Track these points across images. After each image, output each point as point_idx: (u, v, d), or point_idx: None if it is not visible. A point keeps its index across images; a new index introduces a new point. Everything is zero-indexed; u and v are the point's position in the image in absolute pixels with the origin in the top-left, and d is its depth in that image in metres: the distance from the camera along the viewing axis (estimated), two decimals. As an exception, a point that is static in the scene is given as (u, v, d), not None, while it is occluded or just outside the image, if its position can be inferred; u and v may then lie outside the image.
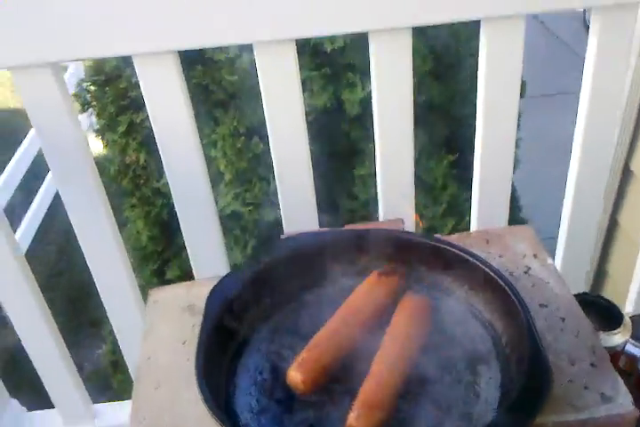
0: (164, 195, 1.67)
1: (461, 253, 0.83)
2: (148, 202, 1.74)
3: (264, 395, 0.76)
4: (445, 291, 0.84)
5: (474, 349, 0.79)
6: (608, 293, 1.54)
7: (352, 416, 0.71)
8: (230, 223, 1.65)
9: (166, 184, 1.13)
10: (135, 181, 1.74)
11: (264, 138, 1.14)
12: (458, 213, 1.68)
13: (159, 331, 0.89)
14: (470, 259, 0.82)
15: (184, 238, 1.18)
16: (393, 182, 1.15)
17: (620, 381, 0.75)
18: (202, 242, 1.18)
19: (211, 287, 0.83)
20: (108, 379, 2.06)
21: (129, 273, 1.21)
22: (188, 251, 1.20)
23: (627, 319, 0.93)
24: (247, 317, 0.83)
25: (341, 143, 1.65)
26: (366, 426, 0.71)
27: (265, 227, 1.63)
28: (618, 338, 0.91)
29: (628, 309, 1.40)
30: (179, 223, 1.16)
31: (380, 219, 1.16)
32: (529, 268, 0.87)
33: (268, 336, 0.83)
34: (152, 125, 1.05)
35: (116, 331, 1.28)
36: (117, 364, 1.91)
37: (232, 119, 1.58)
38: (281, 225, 1.18)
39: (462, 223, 1.65)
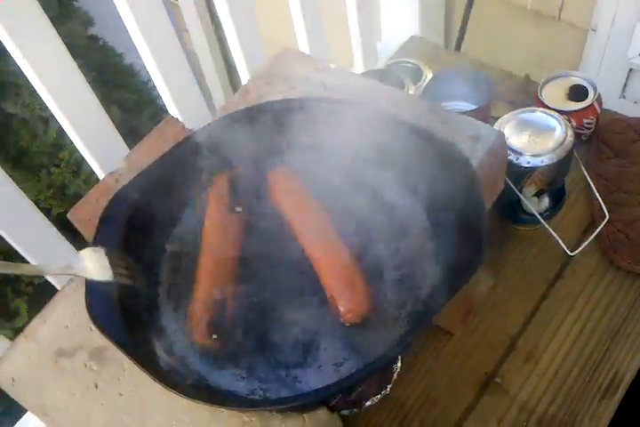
0: None
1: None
2: None
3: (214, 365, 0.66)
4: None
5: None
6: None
7: (341, 306, 0.64)
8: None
9: None
10: None
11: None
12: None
13: (53, 396, 0.68)
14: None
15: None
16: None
17: (478, 121, 0.73)
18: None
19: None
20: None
21: None
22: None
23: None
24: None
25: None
26: (360, 304, 0.64)
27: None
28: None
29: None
30: None
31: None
32: (324, 84, 0.78)
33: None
34: None
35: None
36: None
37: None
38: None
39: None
